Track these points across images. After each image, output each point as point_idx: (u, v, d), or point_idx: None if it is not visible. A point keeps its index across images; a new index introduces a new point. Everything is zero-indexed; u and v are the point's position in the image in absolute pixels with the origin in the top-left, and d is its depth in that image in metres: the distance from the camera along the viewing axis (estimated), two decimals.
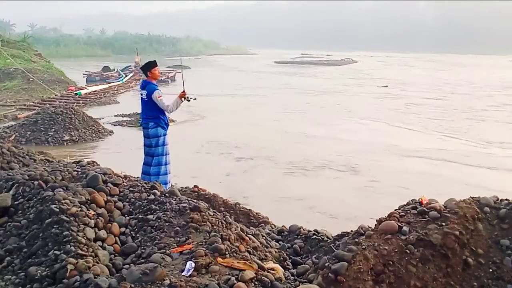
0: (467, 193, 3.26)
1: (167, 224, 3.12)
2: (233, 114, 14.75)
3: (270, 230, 4.10)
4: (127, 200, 3.48)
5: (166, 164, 5.61)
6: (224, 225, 3.20)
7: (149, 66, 5.56)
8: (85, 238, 2.84)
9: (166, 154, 5.61)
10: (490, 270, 2.64)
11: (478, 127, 13.15)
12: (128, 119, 12.83)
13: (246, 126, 12.60)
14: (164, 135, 5.59)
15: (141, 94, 5.58)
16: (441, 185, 7.24)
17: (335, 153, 9.46)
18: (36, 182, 3.39)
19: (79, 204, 3.11)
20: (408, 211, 2.99)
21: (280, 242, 3.76)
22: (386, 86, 24.16)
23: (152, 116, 5.51)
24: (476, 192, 3.21)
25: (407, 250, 2.66)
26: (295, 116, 14.50)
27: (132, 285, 2.36)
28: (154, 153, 5.51)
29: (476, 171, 8.38)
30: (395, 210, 3.10)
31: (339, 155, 9.22)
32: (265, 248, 3.30)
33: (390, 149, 9.97)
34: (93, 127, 10.65)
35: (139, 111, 6.16)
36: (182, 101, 5.49)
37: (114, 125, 12.11)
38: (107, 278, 2.48)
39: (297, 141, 10.71)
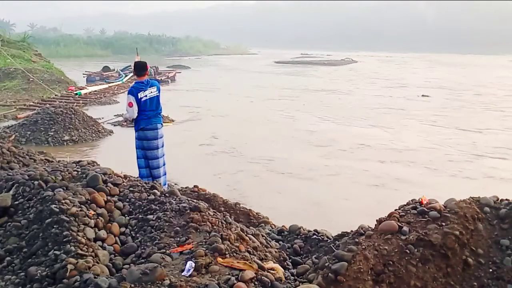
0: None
1: (167, 224, 3.12)
2: (232, 114, 14.71)
3: (270, 230, 4.10)
4: (127, 200, 3.48)
5: (165, 164, 5.61)
6: (224, 225, 3.20)
7: (145, 65, 5.48)
8: (85, 238, 2.84)
9: (165, 154, 5.61)
10: (490, 270, 2.64)
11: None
12: None
13: (245, 126, 12.58)
14: None
15: (146, 95, 5.22)
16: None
17: (341, 157, 9.45)
18: (36, 182, 3.38)
19: (79, 204, 3.11)
20: (408, 211, 2.99)
21: (280, 242, 3.76)
22: (428, 96, 19.89)
23: (159, 115, 5.45)
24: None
25: (407, 250, 2.66)
26: (297, 116, 14.50)
27: (132, 285, 2.36)
28: (159, 155, 5.44)
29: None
30: (395, 210, 3.10)
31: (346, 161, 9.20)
32: (265, 248, 3.30)
33: None
34: (93, 127, 10.65)
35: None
36: None
37: (114, 125, 12.11)
38: (107, 278, 2.48)
39: (299, 143, 10.71)
